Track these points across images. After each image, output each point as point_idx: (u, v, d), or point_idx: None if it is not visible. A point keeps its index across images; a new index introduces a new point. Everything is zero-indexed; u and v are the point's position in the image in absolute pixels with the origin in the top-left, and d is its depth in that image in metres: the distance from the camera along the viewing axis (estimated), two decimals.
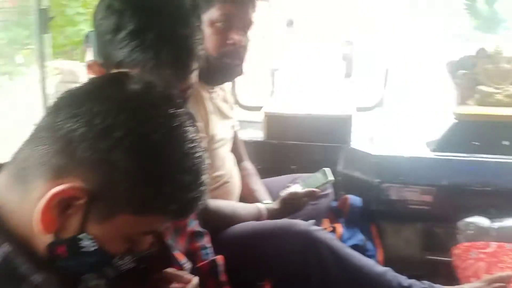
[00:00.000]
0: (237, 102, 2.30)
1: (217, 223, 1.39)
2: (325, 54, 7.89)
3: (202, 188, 0.66)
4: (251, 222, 1.45)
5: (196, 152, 0.65)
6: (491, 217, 1.65)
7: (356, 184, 1.92)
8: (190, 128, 0.66)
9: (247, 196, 1.64)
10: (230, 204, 1.50)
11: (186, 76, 0.94)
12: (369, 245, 1.73)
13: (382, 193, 1.82)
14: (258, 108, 2.23)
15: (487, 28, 1.93)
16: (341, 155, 2.00)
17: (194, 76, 0.98)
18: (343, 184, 1.91)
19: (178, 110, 0.65)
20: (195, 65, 0.94)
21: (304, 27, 8.99)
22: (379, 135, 2.13)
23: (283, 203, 1.54)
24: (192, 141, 0.65)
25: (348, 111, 2.10)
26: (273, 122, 2.06)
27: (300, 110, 2.10)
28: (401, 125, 2.23)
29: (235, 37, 1.39)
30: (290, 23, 7.67)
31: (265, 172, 1.89)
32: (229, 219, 1.43)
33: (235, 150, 1.67)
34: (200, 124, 1.35)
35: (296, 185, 1.64)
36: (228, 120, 1.59)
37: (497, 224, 1.63)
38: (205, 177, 0.67)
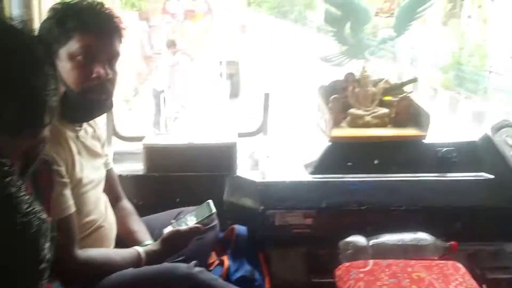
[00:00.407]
0: (115, 134, 2.17)
1: (90, 276, 1.26)
2: (209, 74, 8.00)
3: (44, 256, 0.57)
4: (129, 269, 1.34)
5: (30, 225, 0.56)
6: (368, 235, 1.73)
7: (242, 213, 1.91)
8: (24, 198, 0.57)
9: (125, 238, 1.53)
10: (103, 252, 1.37)
11: (36, 132, 0.81)
12: (256, 275, 1.71)
13: (267, 220, 1.83)
14: (139, 139, 2.12)
15: (353, 54, 2.09)
16: (227, 184, 1.98)
17: (46, 131, 0.85)
18: (229, 214, 1.89)
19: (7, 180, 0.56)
20: (47, 119, 0.82)
21: (185, 47, 9.05)
22: (263, 161, 2.14)
23: (164, 243, 1.46)
24: (25, 214, 0.56)
25: (231, 138, 2.09)
26: (153, 154, 1.97)
27: (182, 140, 2.04)
28: (284, 149, 2.27)
29: (99, 70, 1.29)
30: (170, 44, 7.64)
31: (147, 208, 1.80)
32: (103, 269, 1.31)
33: (109, 189, 1.56)
34: (61, 168, 1.23)
35: (180, 221, 1.57)
36: (99, 159, 1.47)
37: (373, 241, 1.72)
38: (45, 253, 0.58)
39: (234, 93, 10.04)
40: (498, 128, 2.12)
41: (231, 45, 9.79)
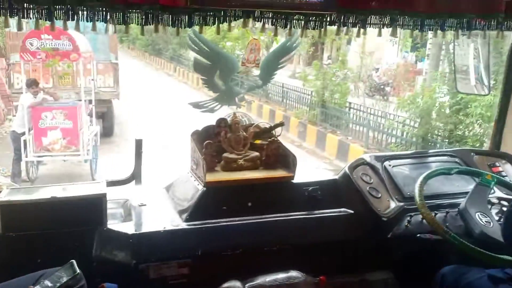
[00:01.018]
0: None
1: None
2: (77, 114, 7.52)
3: None
4: None
5: None
6: (244, 279, 1.76)
7: (114, 269, 1.80)
8: None
9: None
10: None
11: None
12: None
13: (141, 275, 1.75)
14: None
15: (224, 100, 2.18)
16: (96, 239, 1.86)
17: None
18: (100, 271, 1.77)
19: None
20: None
21: (48, 86, 8.46)
22: (136, 210, 2.07)
23: None
24: None
25: (100, 188, 1.98)
26: (10, 212, 1.78)
27: (43, 194, 1.87)
28: (158, 197, 2.21)
29: None
30: (31, 83, 7.09)
31: (4, 273, 1.60)
32: None
33: None
34: None
35: (40, 285, 1.43)
36: None
37: (248, 285, 1.74)
38: None
39: (107, 133, 9.62)
40: (355, 166, 2.35)
41: (102, 83, 9.44)
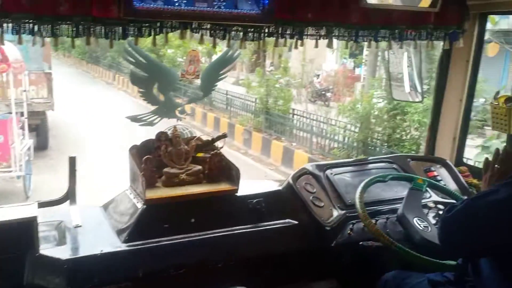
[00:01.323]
0: None
1: None
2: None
3: None
4: None
5: None
6: None
7: None
8: None
9: None
10: None
11: None
12: None
13: None
14: None
15: (163, 113, 2.11)
16: (27, 265, 1.72)
17: None
18: None
19: None
20: None
21: None
22: (71, 233, 1.94)
23: None
24: None
25: (30, 211, 1.84)
26: None
27: None
28: (95, 217, 2.09)
29: None
30: None
31: None
32: None
33: None
34: None
35: None
36: None
37: None
38: None
39: (41, 146, 9.13)
40: (298, 176, 2.36)
41: (35, 94, 8.95)
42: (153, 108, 2.32)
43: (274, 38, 2.03)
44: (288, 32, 2.03)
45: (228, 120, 12.07)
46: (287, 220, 2.16)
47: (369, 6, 2.10)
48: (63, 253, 1.77)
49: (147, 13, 1.71)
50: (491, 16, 3.00)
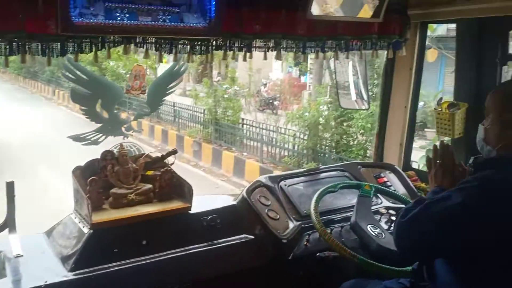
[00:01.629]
0: None
1: None
2: None
3: None
4: None
5: None
6: None
7: None
8: None
9: None
10: None
11: None
12: None
13: None
14: None
15: (109, 131, 2.01)
16: None
17: None
18: None
19: None
20: None
21: None
22: (11, 263, 1.79)
23: None
24: None
25: None
26: None
27: None
28: (37, 246, 1.94)
29: None
30: None
31: None
32: None
33: None
34: None
35: None
36: None
37: None
38: None
39: None
40: (252, 189, 2.32)
41: None
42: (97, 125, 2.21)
43: (222, 51, 2.00)
44: (236, 44, 2.01)
45: (177, 132, 11.87)
46: (243, 236, 2.12)
47: (315, 18, 2.12)
48: (3, 287, 1.63)
49: (87, 29, 1.62)
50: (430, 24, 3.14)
